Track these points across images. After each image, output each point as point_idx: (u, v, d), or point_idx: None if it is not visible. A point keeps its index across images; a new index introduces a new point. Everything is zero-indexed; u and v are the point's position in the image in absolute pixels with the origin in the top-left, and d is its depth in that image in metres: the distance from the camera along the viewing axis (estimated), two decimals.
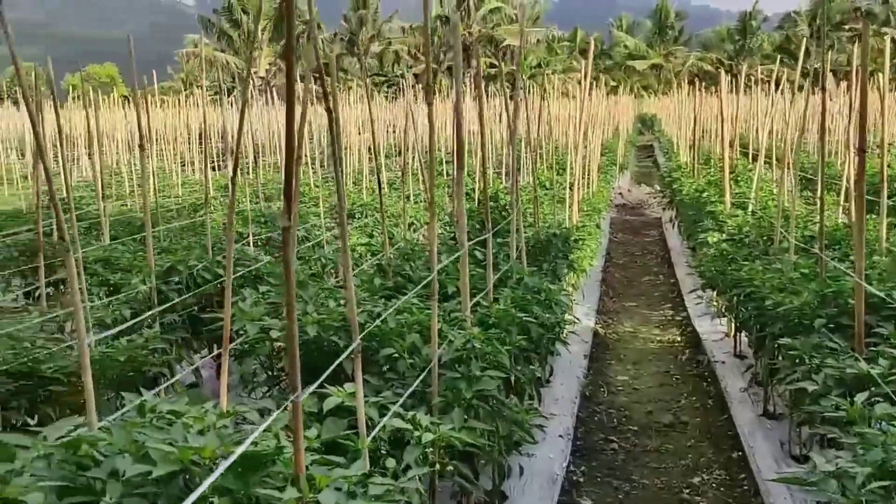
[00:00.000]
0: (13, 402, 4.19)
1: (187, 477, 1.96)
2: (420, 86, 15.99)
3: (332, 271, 7.76)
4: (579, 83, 10.94)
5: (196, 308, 5.71)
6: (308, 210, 9.31)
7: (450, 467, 3.06)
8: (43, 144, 2.54)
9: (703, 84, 18.48)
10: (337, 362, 2.27)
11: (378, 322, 3.22)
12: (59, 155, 5.13)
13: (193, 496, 1.29)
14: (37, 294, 7.06)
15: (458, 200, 3.28)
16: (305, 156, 10.41)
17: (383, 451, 2.63)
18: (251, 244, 7.24)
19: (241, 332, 3.45)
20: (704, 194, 9.79)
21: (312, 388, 2.18)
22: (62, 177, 11.73)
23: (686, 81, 23.90)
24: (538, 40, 49.01)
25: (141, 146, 5.39)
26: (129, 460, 1.96)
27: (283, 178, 1.53)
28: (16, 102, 23.78)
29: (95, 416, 2.30)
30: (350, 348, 2.29)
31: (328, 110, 2.21)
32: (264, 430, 2.46)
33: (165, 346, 5.08)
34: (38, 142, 2.34)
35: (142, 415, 2.51)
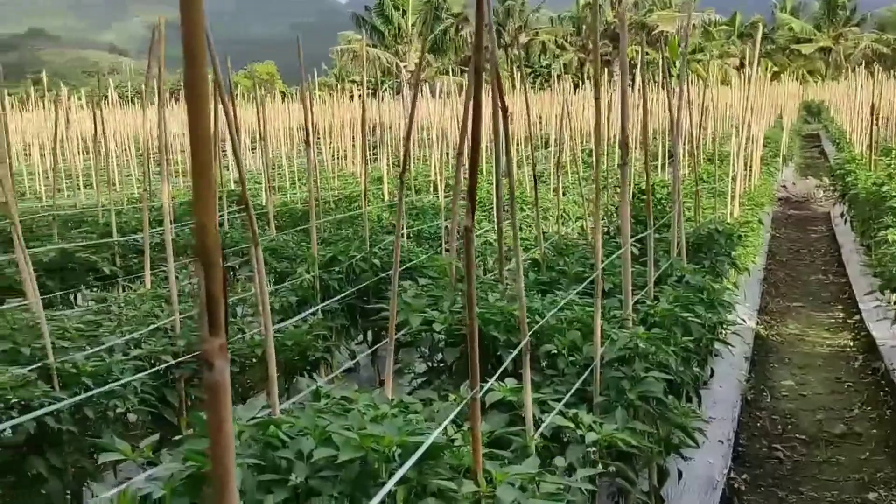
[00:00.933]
0: (194, 380, 4.55)
1: (365, 462, 2.04)
2: (569, 76, 15.81)
3: (480, 263, 7.83)
4: (737, 69, 10.35)
5: (354, 297, 5.95)
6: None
7: (612, 468, 3.01)
8: (237, 142, 2.71)
9: (881, 67, 17.04)
10: (510, 358, 2.29)
11: (543, 321, 3.20)
12: (235, 150, 5.47)
13: (386, 488, 1.34)
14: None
15: (622, 196, 3.21)
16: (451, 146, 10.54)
17: (547, 448, 2.62)
18: (404, 236, 7.43)
19: (404, 323, 3.54)
20: (884, 188, 9.03)
21: (491, 382, 2.21)
22: (230, 171, 12.51)
23: (860, 65, 22.13)
24: (694, 25, 47.03)
25: (306, 142, 5.66)
26: (311, 443, 2.06)
27: (468, 177, 1.55)
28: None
29: (278, 399, 2.44)
30: (520, 346, 2.29)
31: (502, 108, 2.22)
32: (429, 421, 2.52)
33: (326, 333, 5.33)
34: (233, 139, 2.50)
35: (317, 399, 2.64)
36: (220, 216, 7.52)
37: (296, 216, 8.86)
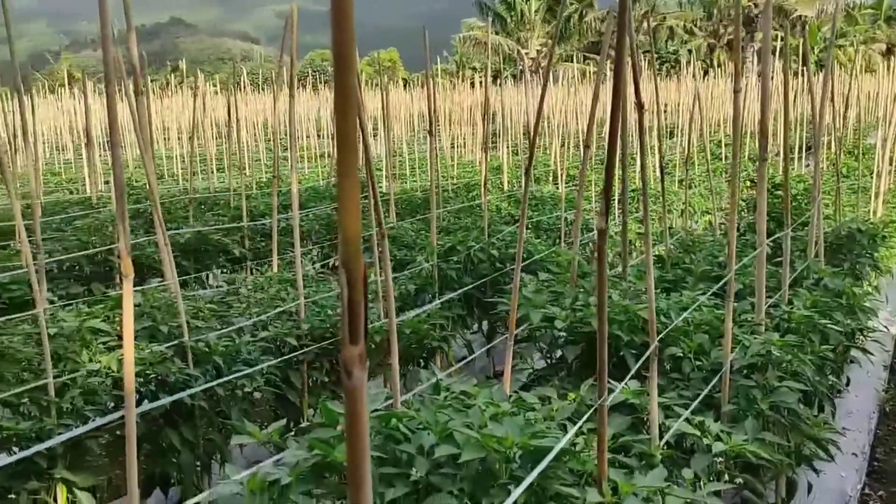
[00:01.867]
0: (316, 363, 4.68)
1: (486, 461, 2.02)
2: (698, 63, 15.17)
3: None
4: (883, 55, 9.61)
5: (471, 287, 5.96)
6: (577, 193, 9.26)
7: (738, 479, 2.87)
8: (367, 129, 2.74)
9: None
10: (639, 363, 2.21)
11: (672, 325, 3.08)
12: (365, 138, 5.58)
13: (513, 497, 1.31)
14: (332, 264, 7.84)
15: (759, 192, 3.03)
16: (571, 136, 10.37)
17: (670, 456, 2.52)
18: (524, 226, 7.36)
19: (523, 318, 3.50)
20: None
21: (619, 389, 2.14)
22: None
23: None
24: (837, 8, 44.08)
25: (430, 131, 5.68)
26: (432, 438, 2.06)
27: (605, 176, 1.49)
28: (314, 87, 26.39)
29: (399, 390, 2.46)
30: (648, 352, 2.21)
31: (638, 104, 2.13)
32: (547, 420, 2.48)
33: (443, 322, 5.37)
34: (363, 127, 2.52)
35: (437, 392, 2.65)
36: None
37: (415, 204, 8.96)
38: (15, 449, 3.18)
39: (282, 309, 4.67)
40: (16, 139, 7.28)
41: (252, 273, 7.27)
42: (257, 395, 4.38)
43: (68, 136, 16.55)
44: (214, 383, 3.47)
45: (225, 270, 7.80)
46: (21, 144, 6.36)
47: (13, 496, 3.16)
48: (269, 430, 2.24)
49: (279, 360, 4.31)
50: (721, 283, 3.44)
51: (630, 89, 2.62)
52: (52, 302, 5.18)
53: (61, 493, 3.25)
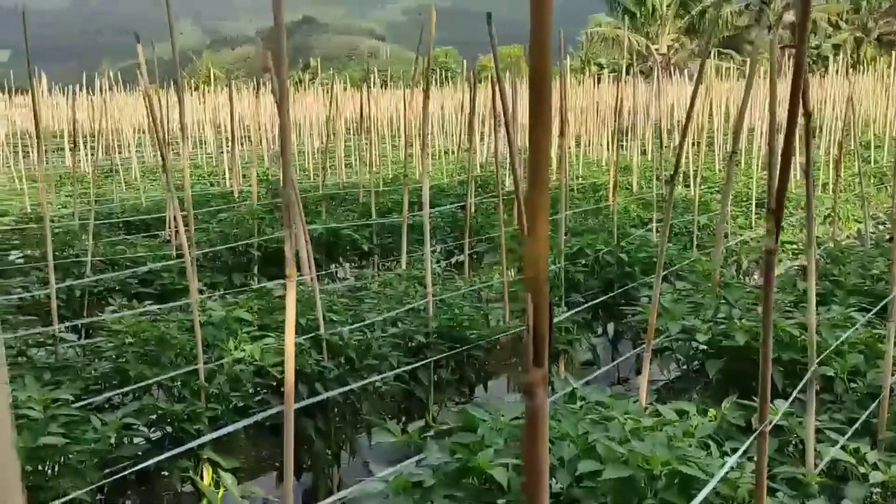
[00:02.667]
0: (442, 362, 4.73)
1: (628, 478, 1.97)
2: (841, 57, 14.27)
3: (733, 263, 7.34)
4: None
5: (599, 291, 5.86)
6: (711, 196, 8.93)
7: None
8: (511, 125, 2.74)
9: None
10: (799, 387, 2.10)
11: (831, 347, 2.91)
12: (510, 133, 5.60)
13: None
14: (455, 261, 7.90)
15: None
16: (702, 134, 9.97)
17: (823, 484, 2.38)
18: (654, 231, 7.16)
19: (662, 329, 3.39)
20: None
21: (784, 407, 2.04)
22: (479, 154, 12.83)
23: None
24: None
25: (561, 133, 5.62)
26: (573, 450, 2.03)
27: (776, 195, 1.41)
28: (438, 84, 26.66)
29: None
30: (808, 374, 2.09)
31: (805, 113, 2.01)
32: (687, 437, 2.39)
33: (569, 325, 5.30)
34: (507, 122, 2.51)
35: (573, 401, 2.61)
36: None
37: None
38: (168, 428, 3.39)
39: (411, 306, 4.75)
40: (169, 135, 7.75)
41: (377, 268, 7.44)
42: (384, 388, 4.48)
43: (211, 132, 17.49)
44: (371, 381, 3.57)
45: (352, 265, 8.03)
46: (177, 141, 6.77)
47: (166, 473, 3.38)
48: (408, 429, 2.28)
49: (405, 353, 4.38)
50: (883, 303, 3.22)
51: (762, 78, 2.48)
52: (200, 291, 5.50)
53: (207, 472, 3.44)
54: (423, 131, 4.69)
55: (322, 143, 17.98)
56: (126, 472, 3.30)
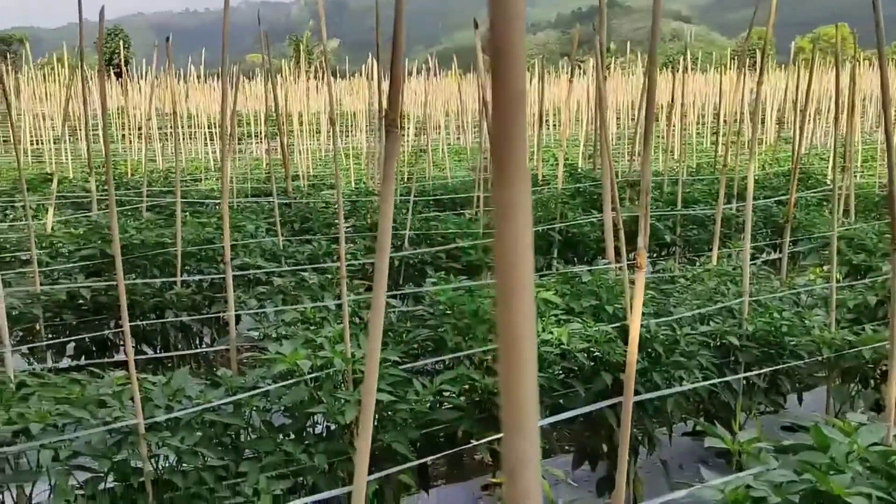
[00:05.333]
0: (755, 366, 4.39)
1: None
2: None
3: None
4: None
5: None
6: None
7: None
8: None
9: None
10: None
11: None
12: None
13: None
14: (767, 259, 7.31)
15: None
16: None
17: None
18: None
19: None
20: None
21: None
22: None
23: None
24: None
25: (885, 122, 4.88)
26: None
27: None
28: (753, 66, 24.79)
29: (894, 423, 2.14)
30: None
31: None
32: None
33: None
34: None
35: None
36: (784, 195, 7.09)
37: (872, 201, 7.91)
38: (476, 398, 3.55)
39: (723, 305, 4.47)
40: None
41: (678, 262, 7.14)
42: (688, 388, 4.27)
43: None
44: (679, 378, 3.44)
45: (651, 255, 7.80)
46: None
47: (473, 441, 3.54)
48: (740, 437, 2.13)
49: (715, 354, 4.14)
50: None
51: None
52: None
53: None
54: (755, 122, 4.35)
55: (619, 128, 17.70)
56: (440, 435, 3.52)
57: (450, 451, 3.70)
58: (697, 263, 5.88)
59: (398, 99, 1.22)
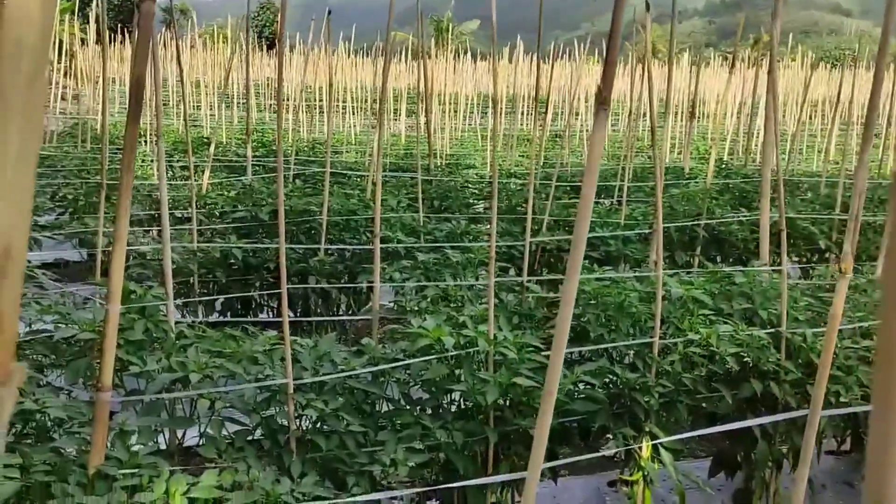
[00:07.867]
0: None
1: None
2: None
3: None
4: None
5: None
6: None
7: None
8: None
9: None
10: None
11: None
12: None
13: None
14: None
15: None
16: None
17: None
18: None
19: None
20: None
21: None
22: None
23: None
24: None
25: None
26: None
27: None
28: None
29: None
30: None
31: None
32: None
33: None
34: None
35: None
36: None
37: None
38: (618, 396, 3.45)
39: None
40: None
41: (829, 269, 6.68)
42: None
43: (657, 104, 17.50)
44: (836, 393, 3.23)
45: (799, 260, 7.34)
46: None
47: (610, 436, 3.45)
48: None
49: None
50: None
51: None
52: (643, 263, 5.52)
53: (647, 445, 3.43)
54: None
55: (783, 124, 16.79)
56: (573, 425, 3.46)
57: (582, 443, 3.63)
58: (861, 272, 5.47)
59: (612, 79, 1.17)
